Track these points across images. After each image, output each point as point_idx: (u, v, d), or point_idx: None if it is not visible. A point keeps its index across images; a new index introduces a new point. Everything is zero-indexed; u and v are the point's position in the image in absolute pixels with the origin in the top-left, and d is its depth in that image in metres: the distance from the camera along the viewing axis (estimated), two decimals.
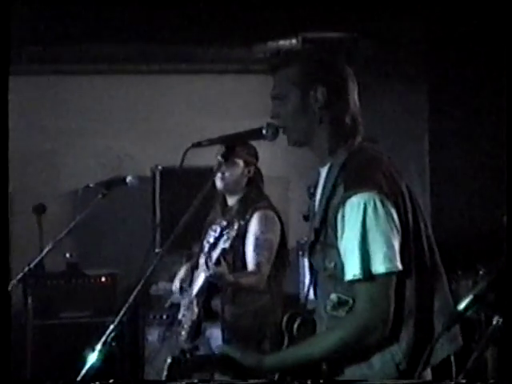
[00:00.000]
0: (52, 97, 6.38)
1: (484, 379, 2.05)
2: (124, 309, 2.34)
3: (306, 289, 2.59)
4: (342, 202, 2.35)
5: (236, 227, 3.64)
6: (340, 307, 2.39)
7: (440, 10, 5.31)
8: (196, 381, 2.26)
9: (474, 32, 5.41)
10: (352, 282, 2.33)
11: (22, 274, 3.73)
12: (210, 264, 3.71)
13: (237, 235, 3.67)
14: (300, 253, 5.67)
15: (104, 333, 2.29)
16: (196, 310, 3.94)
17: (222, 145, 2.67)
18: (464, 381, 1.93)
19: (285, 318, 2.61)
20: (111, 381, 2.16)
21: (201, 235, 4.19)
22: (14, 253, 3.29)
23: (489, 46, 5.18)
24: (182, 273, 4.26)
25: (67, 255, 5.77)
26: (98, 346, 2.26)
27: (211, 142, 2.67)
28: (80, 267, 5.83)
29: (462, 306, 1.91)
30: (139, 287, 2.37)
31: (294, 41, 5.82)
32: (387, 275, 2.31)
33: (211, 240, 4.02)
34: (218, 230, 4.04)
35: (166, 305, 4.33)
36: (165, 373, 2.50)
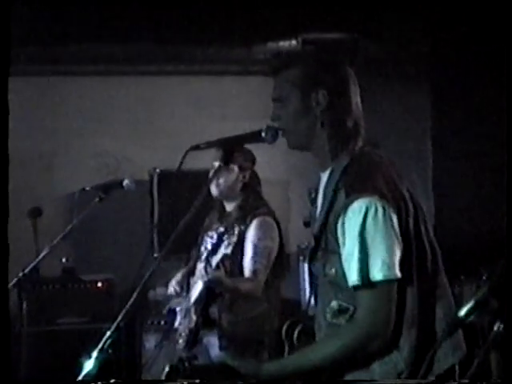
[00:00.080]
0: (50, 98, 6.37)
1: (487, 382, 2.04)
2: (121, 315, 2.33)
3: (306, 296, 2.56)
4: (344, 208, 2.33)
5: (237, 232, 3.66)
6: (340, 315, 2.38)
7: (441, 10, 5.32)
8: (197, 381, 2.26)
9: (476, 32, 5.42)
10: (353, 288, 2.32)
11: (16, 278, 3.72)
12: (209, 269, 3.73)
13: (238, 241, 3.68)
14: (301, 258, 5.63)
15: (100, 339, 2.28)
16: (194, 317, 3.93)
17: (220, 148, 2.67)
18: (467, 381, 1.94)
19: (284, 327, 2.60)
20: (112, 381, 2.15)
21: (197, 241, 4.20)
22: (9, 257, 3.26)
23: (491, 46, 5.19)
24: (178, 276, 4.25)
25: (63, 260, 5.73)
26: (95, 353, 2.25)
27: (210, 145, 2.66)
28: (76, 272, 5.81)
29: (463, 312, 1.91)
30: (137, 293, 2.36)
31: (294, 42, 5.83)
32: (386, 282, 2.30)
33: (208, 246, 4.04)
34: (215, 236, 4.05)
35: (164, 311, 4.32)
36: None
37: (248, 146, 3.90)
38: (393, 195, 2.34)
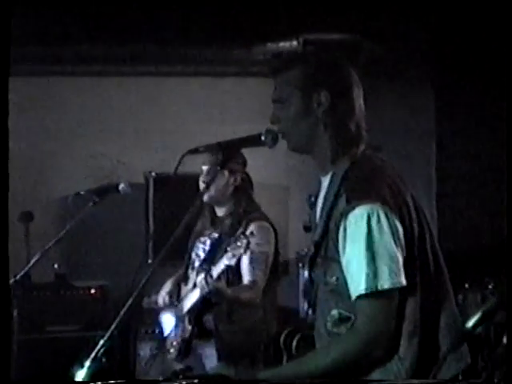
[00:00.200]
0: (47, 99, 6.33)
1: None
2: (115, 323, 2.30)
3: (306, 304, 2.57)
4: (345, 214, 2.31)
5: (244, 245, 3.59)
6: (342, 324, 2.34)
7: (444, 11, 5.32)
8: (196, 381, 2.26)
9: (479, 33, 5.43)
10: (356, 297, 2.28)
11: None
12: (209, 280, 3.70)
13: (245, 252, 3.64)
14: (300, 265, 5.60)
15: (94, 348, 2.25)
16: (188, 327, 3.90)
17: (218, 152, 2.66)
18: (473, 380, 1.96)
19: (283, 335, 2.56)
20: (112, 381, 2.14)
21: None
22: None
23: (495, 46, 5.17)
24: (168, 286, 4.24)
25: (55, 266, 5.67)
26: (87, 362, 2.22)
27: (208, 148, 2.64)
28: (69, 278, 5.75)
29: (470, 323, 1.88)
30: (131, 300, 2.32)
31: (294, 42, 5.83)
32: (391, 291, 2.28)
33: (200, 253, 4.03)
34: (208, 242, 4.05)
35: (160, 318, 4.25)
36: None
37: (247, 150, 3.85)
38: (395, 201, 2.31)
